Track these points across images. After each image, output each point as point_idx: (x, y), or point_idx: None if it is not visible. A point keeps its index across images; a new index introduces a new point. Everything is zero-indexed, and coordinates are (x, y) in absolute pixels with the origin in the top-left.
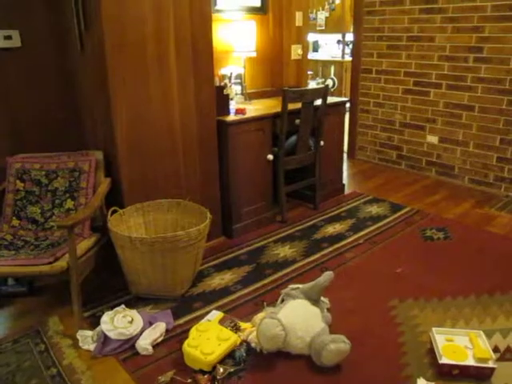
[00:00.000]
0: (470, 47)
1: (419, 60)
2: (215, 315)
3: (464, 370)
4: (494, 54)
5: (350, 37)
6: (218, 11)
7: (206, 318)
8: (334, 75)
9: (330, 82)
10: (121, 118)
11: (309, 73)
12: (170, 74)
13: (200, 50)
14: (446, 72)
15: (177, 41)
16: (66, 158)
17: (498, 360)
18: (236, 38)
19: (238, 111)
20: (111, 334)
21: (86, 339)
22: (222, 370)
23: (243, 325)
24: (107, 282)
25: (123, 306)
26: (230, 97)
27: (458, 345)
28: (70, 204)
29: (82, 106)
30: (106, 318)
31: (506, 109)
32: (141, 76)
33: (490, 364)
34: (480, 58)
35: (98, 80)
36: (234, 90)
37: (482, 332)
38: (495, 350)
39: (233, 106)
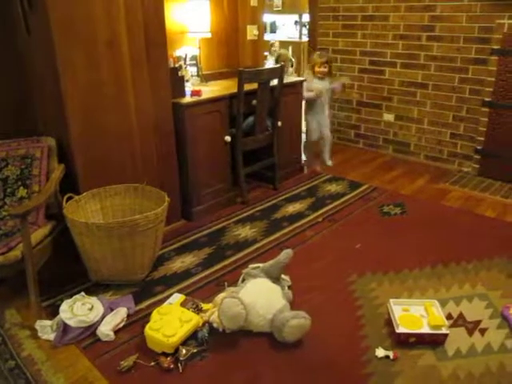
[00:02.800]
0: (422, 26)
1: (374, 39)
2: (177, 298)
3: (420, 338)
4: (445, 33)
5: (307, 17)
6: None
7: (167, 301)
8: (292, 56)
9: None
10: (72, 102)
11: (266, 54)
12: (122, 57)
13: (153, 31)
14: (400, 51)
15: (128, 21)
16: (17, 145)
17: (451, 326)
18: (190, 19)
19: (194, 93)
20: (71, 322)
21: (45, 329)
22: (184, 351)
23: (205, 306)
24: (66, 270)
25: (83, 293)
26: (186, 78)
27: (414, 314)
28: (22, 192)
29: (32, 92)
30: (65, 306)
31: (457, 86)
32: (91, 59)
33: (444, 330)
34: (432, 36)
35: (46, 64)
36: (190, 71)
37: (436, 301)
38: (448, 317)
39: (188, 87)
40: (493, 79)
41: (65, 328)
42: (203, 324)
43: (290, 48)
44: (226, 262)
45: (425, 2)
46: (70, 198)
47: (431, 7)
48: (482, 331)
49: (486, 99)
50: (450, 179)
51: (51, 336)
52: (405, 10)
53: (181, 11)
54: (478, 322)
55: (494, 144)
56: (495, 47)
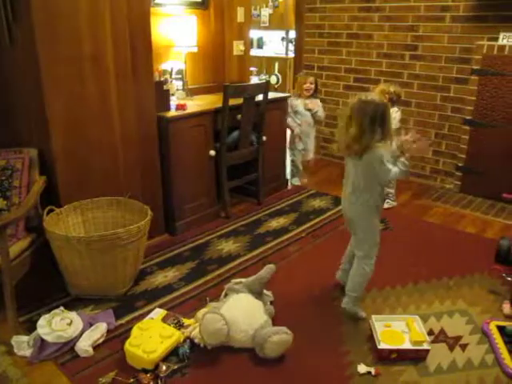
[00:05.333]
0: (405, 45)
1: (359, 57)
2: (158, 313)
3: (401, 354)
4: (427, 52)
5: (293, 34)
6: (157, 5)
7: (148, 316)
8: (278, 71)
9: (274, 79)
10: (55, 114)
11: (253, 69)
12: (106, 70)
13: (138, 45)
14: (384, 69)
15: (113, 34)
16: None
17: (433, 342)
18: (176, 33)
19: (179, 107)
20: (49, 338)
21: (22, 345)
22: (164, 367)
23: (187, 321)
24: (45, 284)
25: (62, 308)
26: (171, 92)
27: (396, 330)
28: (1, 204)
29: (14, 102)
30: (42, 321)
31: (439, 104)
32: (76, 72)
33: (425, 346)
34: (415, 55)
35: (30, 76)
36: (175, 85)
37: (417, 317)
38: (430, 332)
39: (174, 101)
40: (473, 98)
41: (42, 344)
42: (184, 340)
43: (277, 64)
44: (209, 277)
45: (408, 22)
46: (51, 211)
47: (414, 27)
48: (463, 347)
49: (467, 117)
50: (432, 195)
51: (27, 352)
52: (388, 29)
53: (167, 26)
54: (459, 338)
55: (475, 161)
56: (475, 67)
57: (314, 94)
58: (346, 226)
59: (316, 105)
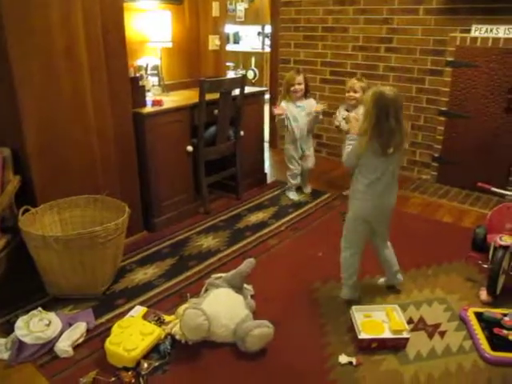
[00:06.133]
0: (380, 38)
1: (335, 50)
2: (139, 310)
3: (382, 343)
4: (402, 45)
5: (269, 28)
6: (130, 0)
7: (129, 314)
8: (255, 66)
9: (251, 73)
10: (28, 112)
11: (230, 64)
12: (80, 67)
13: (112, 40)
14: (360, 61)
15: (86, 31)
16: None
17: (412, 330)
18: (151, 28)
19: (155, 103)
20: (27, 339)
21: None
22: (146, 365)
23: (167, 318)
24: (22, 285)
25: (40, 308)
26: (147, 88)
27: (376, 320)
28: None
29: None
30: (20, 323)
31: (415, 96)
32: (49, 67)
33: (405, 335)
34: (390, 48)
35: (0, 72)
36: (151, 81)
37: (397, 306)
38: (409, 321)
39: (149, 97)
40: (448, 89)
41: (20, 346)
42: (165, 336)
43: (253, 59)
44: (189, 273)
45: (382, 14)
46: (26, 211)
47: (388, 20)
48: (442, 334)
49: (442, 109)
50: (409, 186)
51: (5, 355)
52: (364, 22)
53: (141, 21)
54: (438, 325)
55: (451, 152)
56: (449, 59)
57: (307, 94)
58: (365, 229)
59: (312, 105)
